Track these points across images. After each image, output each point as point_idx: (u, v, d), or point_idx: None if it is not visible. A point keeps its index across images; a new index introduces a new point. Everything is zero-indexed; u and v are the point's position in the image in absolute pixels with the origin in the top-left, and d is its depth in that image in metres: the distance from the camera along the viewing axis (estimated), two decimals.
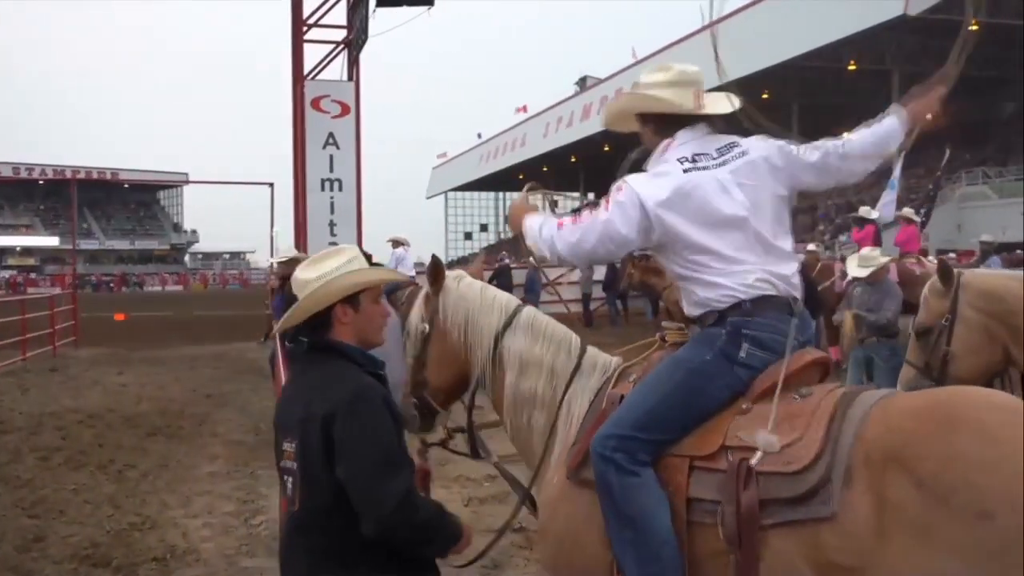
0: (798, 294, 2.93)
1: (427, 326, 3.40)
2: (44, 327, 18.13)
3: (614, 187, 2.91)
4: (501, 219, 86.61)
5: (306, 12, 20.45)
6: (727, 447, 2.64)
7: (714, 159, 2.92)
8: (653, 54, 51.16)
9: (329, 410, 2.48)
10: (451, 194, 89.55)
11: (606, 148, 61.05)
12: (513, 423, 3.30)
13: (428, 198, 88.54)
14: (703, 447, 2.69)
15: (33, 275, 75.12)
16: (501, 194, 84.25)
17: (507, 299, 3.45)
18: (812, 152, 3.05)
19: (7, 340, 16.05)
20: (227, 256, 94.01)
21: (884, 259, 8.71)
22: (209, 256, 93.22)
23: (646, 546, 2.63)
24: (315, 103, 19.84)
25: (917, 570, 2.26)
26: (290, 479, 2.59)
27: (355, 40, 19.91)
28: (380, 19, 19.43)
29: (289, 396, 2.76)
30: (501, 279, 20.77)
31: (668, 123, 3.02)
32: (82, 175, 74.18)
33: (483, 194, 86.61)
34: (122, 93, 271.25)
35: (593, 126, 56.44)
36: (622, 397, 2.95)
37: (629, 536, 2.66)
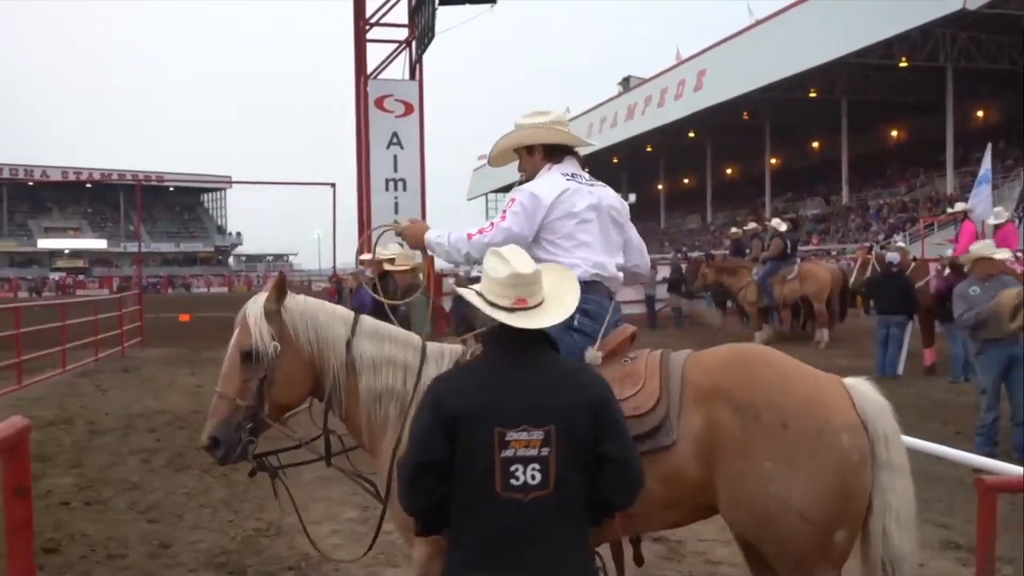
0: (616, 287, 3.75)
1: (278, 344, 3.44)
2: (112, 328, 18.19)
3: (508, 198, 3.61)
4: None
5: (369, 11, 20.48)
6: None
7: (586, 180, 3.74)
8: (698, 54, 50.75)
9: (596, 395, 2.69)
10: (491, 196, 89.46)
11: (648, 148, 60.84)
12: (369, 422, 3.51)
13: (469, 200, 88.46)
14: None
15: (81, 277, 76.08)
16: None
17: (344, 311, 3.70)
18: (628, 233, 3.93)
19: (80, 341, 16.06)
20: (270, 258, 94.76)
21: (1004, 253, 8.33)
22: (253, 258, 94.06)
23: None
24: (379, 102, 19.84)
25: (742, 473, 3.07)
26: (534, 467, 2.56)
27: (419, 39, 19.81)
28: (440, 17, 19.31)
29: (510, 387, 2.64)
30: None
31: (553, 152, 3.79)
32: (129, 178, 75.04)
33: None
34: (173, 97, 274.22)
35: (637, 126, 56.13)
36: None
37: None
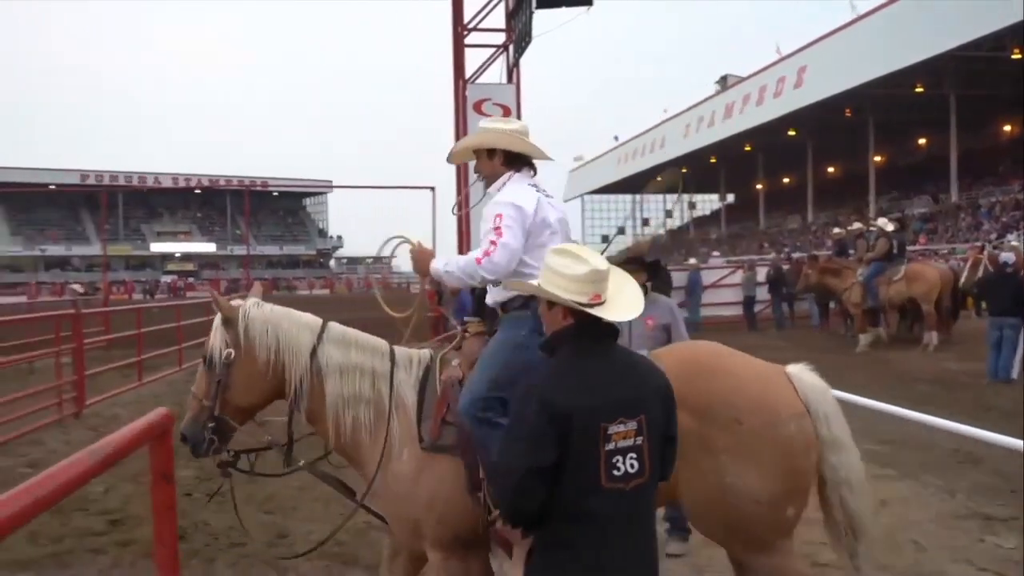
0: None
1: (231, 351, 3.67)
2: None
3: (486, 216, 3.61)
4: (639, 222, 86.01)
5: (466, 16, 20.73)
6: None
7: (546, 193, 3.80)
8: (798, 50, 49.73)
9: (664, 381, 2.85)
10: (587, 197, 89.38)
11: (747, 148, 59.87)
12: (336, 424, 3.70)
13: (564, 201, 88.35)
14: None
15: (191, 279, 78.83)
16: (639, 197, 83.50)
17: (311, 318, 3.86)
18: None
19: (195, 341, 16.69)
20: (369, 261, 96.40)
21: None
22: (353, 261, 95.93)
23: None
24: (477, 106, 20.05)
25: (702, 467, 3.40)
26: (632, 456, 2.66)
27: (517, 43, 19.98)
28: (537, 20, 19.41)
29: (604, 381, 2.71)
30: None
31: (514, 160, 3.81)
32: (236, 184, 77.44)
33: (620, 197, 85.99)
34: (274, 105, 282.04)
35: (735, 125, 55.36)
36: (461, 380, 3.65)
37: None
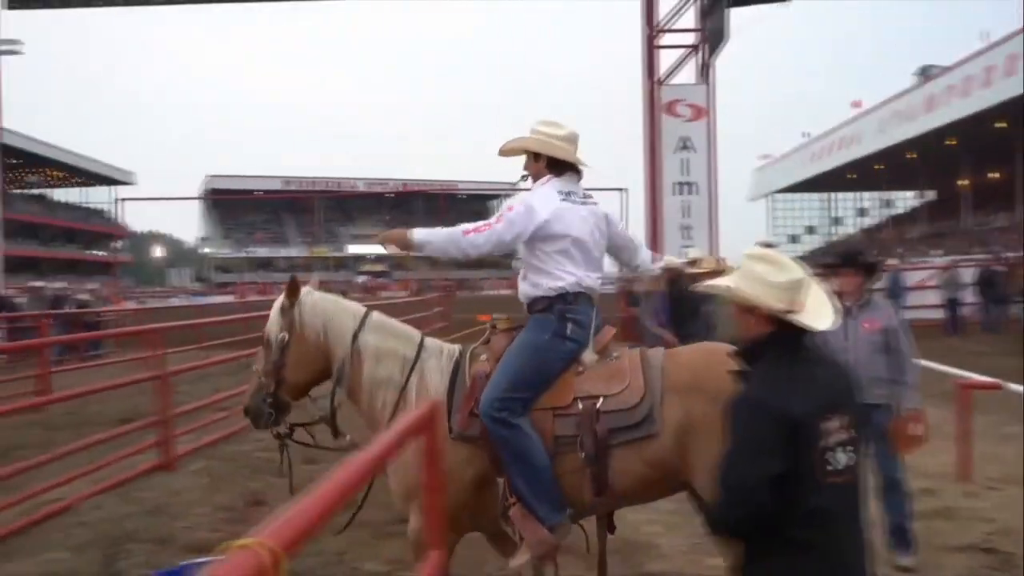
0: (596, 297, 4.11)
1: (286, 335, 4.07)
2: (421, 327, 19.67)
3: (506, 205, 4.03)
4: (829, 221, 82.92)
5: (658, 17, 20.78)
6: (577, 398, 3.77)
7: (579, 199, 4.09)
8: (1008, 37, 46.49)
9: (853, 376, 3.09)
10: (774, 196, 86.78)
11: (950, 141, 56.47)
12: (369, 403, 4.06)
13: (750, 200, 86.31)
14: (559, 400, 3.78)
15: (383, 280, 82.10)
16: (831, 195, 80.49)
17: (356, 306, 4.26)
18: (627, 236, 4.48)
19: None
20: None
21: None
22: None
23: (532, 472, 3.70)
24: (669, 107, 20.10)
25: (716, 453, 3.13)
26: (847, 450, 2.75)
27: (710, 42, 19.86)
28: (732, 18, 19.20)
29: (817, 382, 2.83)
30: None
31: (555, 164, 4.10)
32: (428, 188, 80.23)
33: (809, 195, 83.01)
34: (463, 108, 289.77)
35: (937, 118, 52.32)
36: (488, 374, 3.87)
37: (519, 467, 3.70)
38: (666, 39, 20.96)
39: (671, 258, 11.06)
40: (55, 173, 66.97)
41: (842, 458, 2.74)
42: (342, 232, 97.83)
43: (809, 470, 2.71)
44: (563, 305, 3.93)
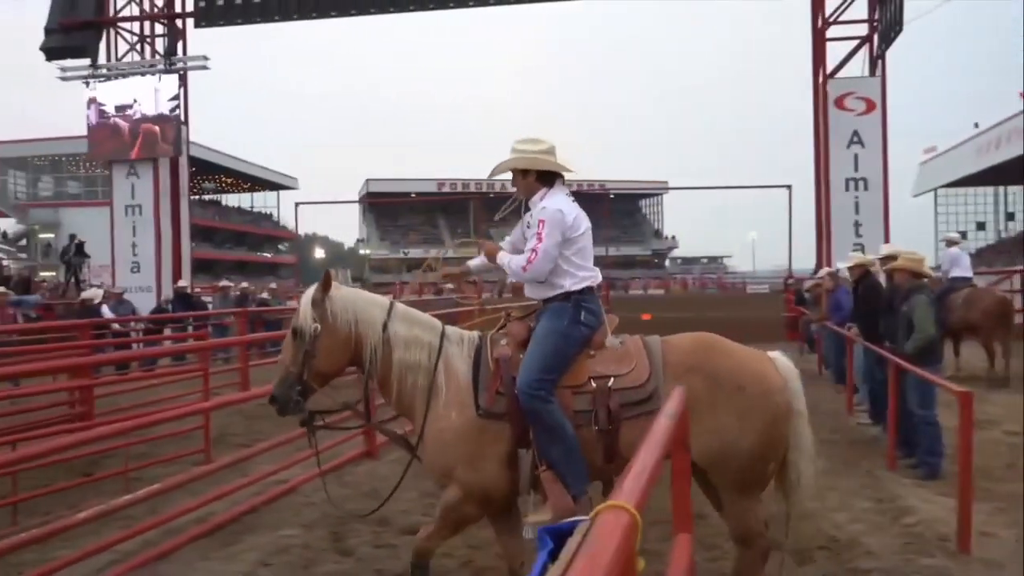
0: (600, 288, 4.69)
1: (318, 325, 4.35)
2: None
3: (537, 219, 4.44)
4: (1002, 217, 78.18)
5: (827, 9, 20.25)
6: (591, 377, 4.30)
7: (575, 202, 4.58)
8: None
9: None
10: (941, 191, 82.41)
11: None
12: (399, 388, 4.43)
13: (915, 196, 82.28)
14: (577, 379, 4.31)
15: None
16: (1003, 189, 75.89)
17: (382, 298, 4.64)
18: None
19: None
20: (704, 260, 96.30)
21: None
22: (688, 261, 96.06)
23: (563, 443, 4.18)
24: (839, 101, 19.57)
25: (711, 426, 4.12)
26: None
27: (882, 33, 19.22)
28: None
29: None
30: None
31: (546, 176, 4.56)
32: (585, 188, 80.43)
33: (980, 190, 78.47)
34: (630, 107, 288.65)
35: None
36: (510, 357, 4.34)
37: (553, 439, 4.18)
38: (834, 31, 20.40)
39: (857, 254, 10.92)
40: (227, 180, 70.84)
41: None
42: (495, 234, 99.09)
43: None
44: (578, 295, 4.45)
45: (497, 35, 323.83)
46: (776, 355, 4.47)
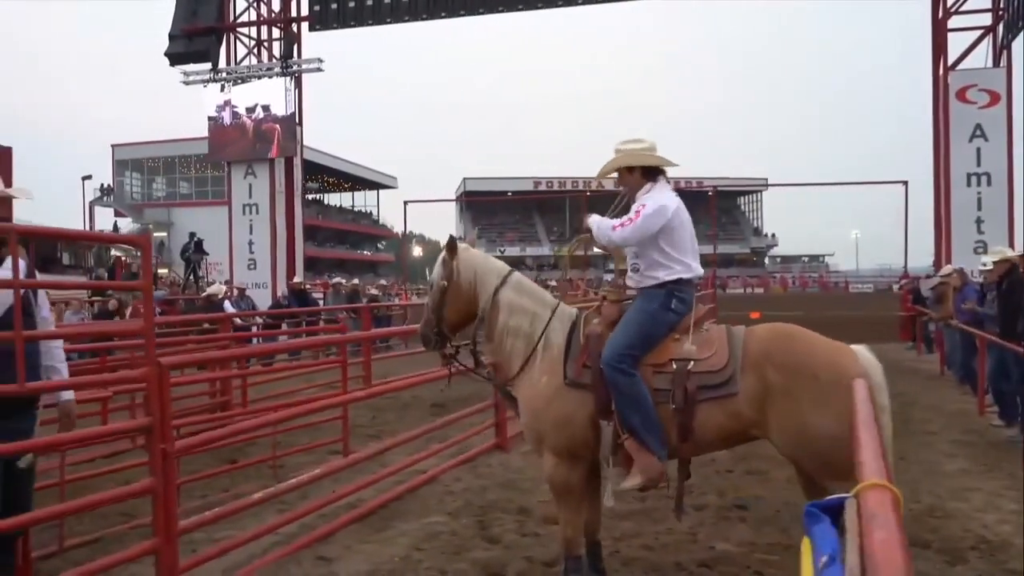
0: (698, 281, 4.96)
1: (445, 282, 4.89)
2: None
3: (639, 205, 4.66)
4: None
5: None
6: (672, 359, 4.50)
7: (678, 196, 4.80)
8: None
9: None
10: None
11: None
12: (500, 346, 4.85)
13: None
14: (659, 359, 4.53)
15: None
16: None
17: (501, 264, 5.01)
18: None
19: None
20: (805, 259, 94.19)
21: None
22: (787, 259, 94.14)
23: (644, 413, 4.43)
24: (960, 94, 18.99)
25: (786, 411, 4.24)
26: None
27: (1008, 22, 18.57)
28: None
29: None
30: None
31: (650, 172, 4.80)
32: (683, 186, 79.60)
33: None
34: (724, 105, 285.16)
35: None
36: (600, 335, 4.62)
37: (634, 408, 4.43)
38: (956, 21, 19.80)
39: (1002, 248, 10.63)
40: (329, 180, 72.49)
41: None
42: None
43: None
44: (673, 285, 4.66)
45: (591, 31, 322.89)
46: (859, 348, 4.45)
